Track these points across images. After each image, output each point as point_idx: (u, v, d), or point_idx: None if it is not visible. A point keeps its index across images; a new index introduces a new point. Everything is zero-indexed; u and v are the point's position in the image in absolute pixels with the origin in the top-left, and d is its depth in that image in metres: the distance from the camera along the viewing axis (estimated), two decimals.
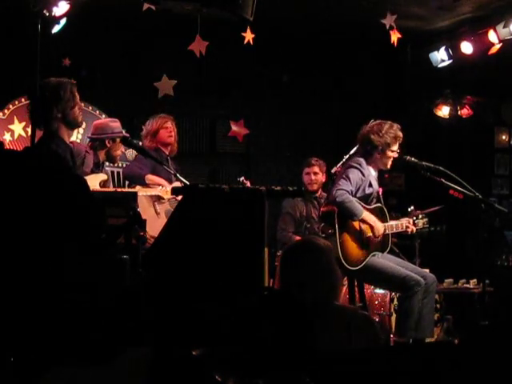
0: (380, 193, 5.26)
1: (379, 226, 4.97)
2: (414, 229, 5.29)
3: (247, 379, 2.66)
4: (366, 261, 4.90)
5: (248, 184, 6.05)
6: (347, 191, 4.84)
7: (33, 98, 4.28)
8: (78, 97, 4.30)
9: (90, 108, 6.69)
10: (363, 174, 5.01)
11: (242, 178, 6.12)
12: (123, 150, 5.54)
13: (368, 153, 5.09)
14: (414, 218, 5.35)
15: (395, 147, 5.09)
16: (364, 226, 4.95)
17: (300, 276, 3.27)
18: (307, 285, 3.25)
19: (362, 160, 5.07)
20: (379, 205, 5.15)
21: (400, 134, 5.08)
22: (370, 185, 5.06)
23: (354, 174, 4.98)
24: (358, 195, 4.98)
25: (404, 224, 5.22)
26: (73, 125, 4.31)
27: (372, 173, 5.10)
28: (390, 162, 5.14)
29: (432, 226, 5.58)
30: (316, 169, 6.59)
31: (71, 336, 2.56)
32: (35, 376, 2.49)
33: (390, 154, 5.08)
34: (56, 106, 4.19)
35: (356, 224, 4.94)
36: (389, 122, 5.11)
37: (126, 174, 5.64)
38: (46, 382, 2.48)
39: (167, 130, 5.73)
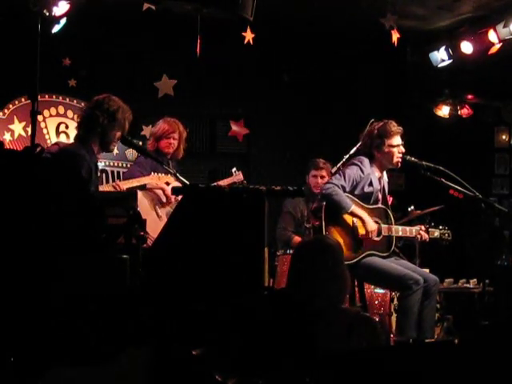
0: (390, 202, 5.22)
1: (371, 223, 4.89)
2: (427, 237, 5.18)
3: (247, 379, 2.66)
4: (358, 259, 4.86)
5: (240, 175, 6.13)
6: (336, 185, 4.83)
7: (94, 104, 4.36)
8: (126, 129, 4.40)
9: None
10: (362, 172, 4.98)
11: (234, 169, 6.17)
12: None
13: (368, 152, 5.08)
14: (427, 225, 5.21)
15: (393, 141, 5.01)
16: (358, 224, 4.91)
17: (311, 278, 3.27)
18: (317, 287, 3.25)
19: (364, 158, 5.04)
20: (382, 206, 5.10)
21: (392, 127, 5.00)
22: (371, 184, 5.02)
23: (351, 170, 4.96)
24: (356, 193, 4.96)
25: (414, 229, 5.14)
26: (103, 146, 4.37)
27: (375, 173, 5.07)
28: (394, 158, 5.03)
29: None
30: (324, 172, 6.44)
31: (71, 336, 2.57)
32: (35, 376, 2.49)
33: (388, 149, 5.04)
34: (103, 121, 4.28)
35: (349, 220, 4.90)
36: (385, 121, 5.10)
37: (127, 177, 5.65)
38: (46, 381, 2.49)
39: (169, 140, 5.76)
